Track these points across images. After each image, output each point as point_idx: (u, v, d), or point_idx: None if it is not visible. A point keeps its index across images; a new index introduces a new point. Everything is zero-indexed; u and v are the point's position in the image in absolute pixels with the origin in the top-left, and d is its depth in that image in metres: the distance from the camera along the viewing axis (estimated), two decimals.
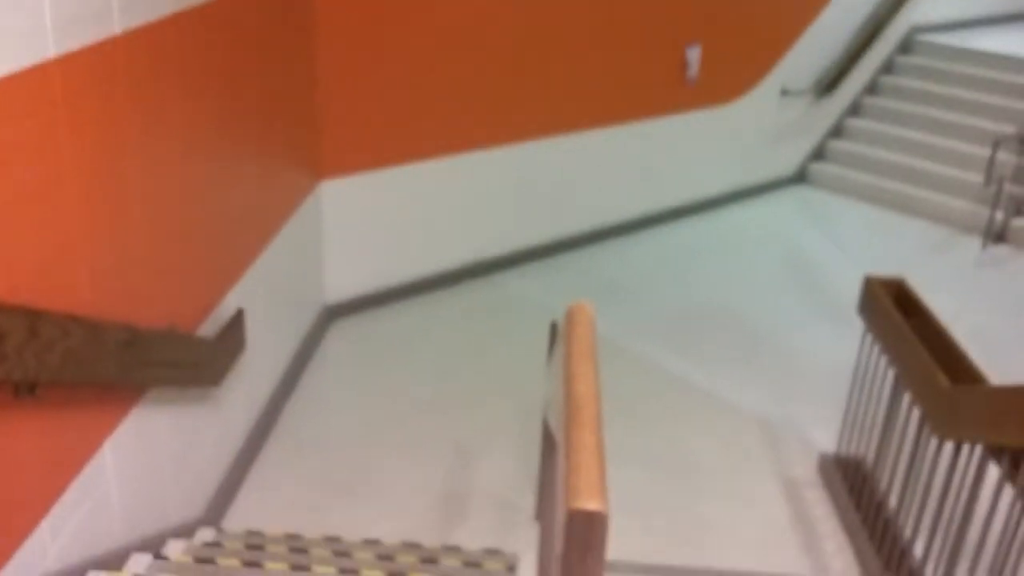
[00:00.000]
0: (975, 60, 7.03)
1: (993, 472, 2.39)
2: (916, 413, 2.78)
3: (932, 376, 2.61)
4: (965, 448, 2.51)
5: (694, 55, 5.71)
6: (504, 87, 4.90)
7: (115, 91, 2.19)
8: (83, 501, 2.16)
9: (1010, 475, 2.30)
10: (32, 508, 1.96)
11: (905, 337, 2.82)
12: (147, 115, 2.40)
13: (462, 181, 4.92)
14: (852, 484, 3.29)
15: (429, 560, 2.65)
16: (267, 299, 3.57)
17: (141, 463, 2.49)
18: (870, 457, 3.18)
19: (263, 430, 3.61)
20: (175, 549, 2.51)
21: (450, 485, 3.43)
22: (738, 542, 3.20)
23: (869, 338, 3.17)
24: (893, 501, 2.96)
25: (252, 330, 3.25)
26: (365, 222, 4.61)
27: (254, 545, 2.66)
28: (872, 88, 7.25)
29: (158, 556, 2.39)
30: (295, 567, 2.38)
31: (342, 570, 2.38)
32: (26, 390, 1.83)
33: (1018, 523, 2.30)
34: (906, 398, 2.86)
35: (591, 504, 1.50)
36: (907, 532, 2.82)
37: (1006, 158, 6.03)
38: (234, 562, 2.38)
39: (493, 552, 2.92)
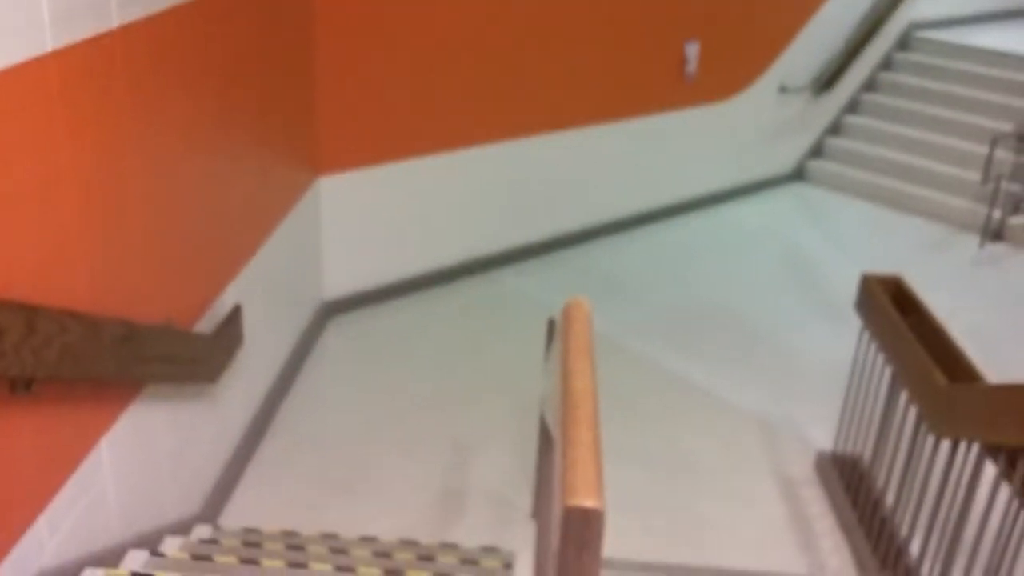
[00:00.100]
0: (974, 57, 7.02)
1: (990, 470, 2.40)
2: (913, 411, 2.78)
3: (929, 374, 2.61)
4: (962, 446, 2.51)
5: (692, 51, 5.71)
6: (502, 84, 4.89)
7: (113, 85, 2.19)
8: (80, 498, 2.16)
9: (1006, 473, 2.31)
10: (29, 505, 1.95)
11: (902, 335, 2.82)
12: (145, 110, 2.39)
13: (460, 177, 4.91)
14: (849, 482, 3.29)
15: (426, 557, 2.65)
16: (265, 295, 3.57)
17: (138, 460, 2.49)
18: (867, 455, 3.19)
19: (260, 427, 3.61)
20: (172, 546, 2.51)
21: (447, 482, 3.43)
22: (735, 540, 3.20)
23: (866, 336, 3.17)
24: (890, 499, 2.96)
25: (250, 326, 3.24)
26: (363, 218, 4.60)
27: (251, 542, 2.66)
28: (870, 85, 7.24)
29: (155, 553, 2.39)
30: (292, 564, 2.38)
31: (339, 567, 2.38)
32: (23, 386, 1.82)
33: (1014, 521, 2.30)
34: (903, 396, 2.87)
35: (588, 501, 1.50)
36: (904, 530, 2.82)
37: (1004, 156, 6.03)
38: (231, 559, 2.38)
39: (490, 549, 2.92)
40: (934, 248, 5.96)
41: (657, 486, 3.46)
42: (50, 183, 1.94)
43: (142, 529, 2.53)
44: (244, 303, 3.16)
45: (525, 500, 3.29)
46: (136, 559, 2.31)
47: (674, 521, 3.28)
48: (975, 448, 2.45)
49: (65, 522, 2.09)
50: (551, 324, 2.70)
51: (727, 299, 5.08)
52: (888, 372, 3.00)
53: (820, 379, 4.16)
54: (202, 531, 2.80)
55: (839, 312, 4.50)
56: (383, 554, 2.63)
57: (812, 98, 6.79)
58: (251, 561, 2.37)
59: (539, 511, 2.76)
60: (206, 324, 2.90)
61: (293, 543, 2.70)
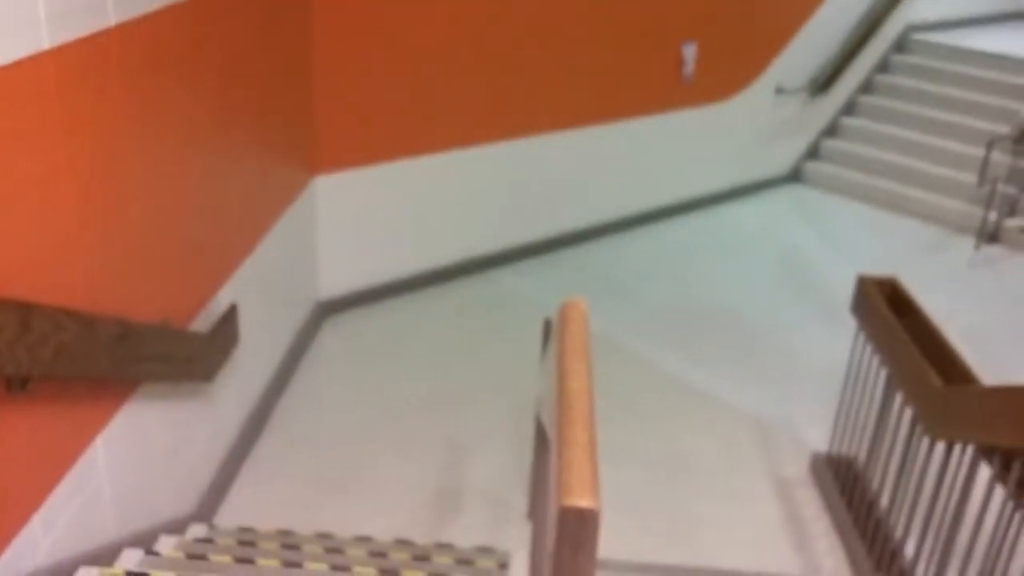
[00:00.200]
0: (970, 59, 7.04)
1: (984, 472, 2.40)
2: (908, 413, 2.78)
3: (924, 376, 2.61)
4: (957, 448, 2.51)
5: (690, 53, 5.72)
6: (499, 84, 4.89)
7: (109, 83, 2.18)
8: (75, 496, 2.15)
9: (1001, 476, 2.31)
10: (23, 503, 1.95)
11: (898, 337, 2.82)
12: (142, 108, 2.39)
13: (457, 177, 4.91)
14: (844, 484, 3.30)
15: (421, 557, 2.65)
16: (261, 295, 3.57)
17: (133, 458, 2.48)
18: (862, 457, 3.19)
19: (256, 426, 3.61)
20: (167, 545, 2.51)
21: (443, 482, 3.43)
22: (730, 541, 3.20)
23: (862, 337, 3.17)
24: (885, 501, 2.97)
25: (245, 326, 3.24)
26: (359, 218, 4.60)
27: (246, 541, 2.66)
28: (867, 87, 7.26)
29: (150, 552, 2.39)
30: (287, 564, 2.38)
31: (334, 567, 2.38)
32: (18, 384, 1.82)
33: (1009, 523, 2.30)
34: (898, 398, 2.87)
35: (583, 501, 1.50)
36: (898, 532, 2.83)
37: (1000, 158, 6.04)
38: (226, 558, 2.37)
39: (485, 550, 2.92)
40: (930, 250, 5.97)
41: (653, 486, 3.46)
42: (46, 181, 1.94)
43: (137, 528, 2.53)
44: (240, 302, 3.16)
45: (521, 500, 3.29)
46: (131, 558, 2.31)
47: (669, 521, 3.28)
48: (970, 450, 2.45)
49: (60, 520, 2.09)
50: (547, 324, 2.70)
51: (724, 300, 5.08)
52: (883, 374, 3.00)
53: (816, 380, 4.17)
54: (197, 530, 2.79)
55: (836, 313, 4.50)
56: (378, 554, 2.63)
57: (809, 100, 6.80)
58: (246, 560, 2.37)
59: (535, 511, 2.76)
60: (202, 323, 2.90)
61: (288, 542, 2.69)
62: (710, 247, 5.84)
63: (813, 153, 7.12)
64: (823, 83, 6.72)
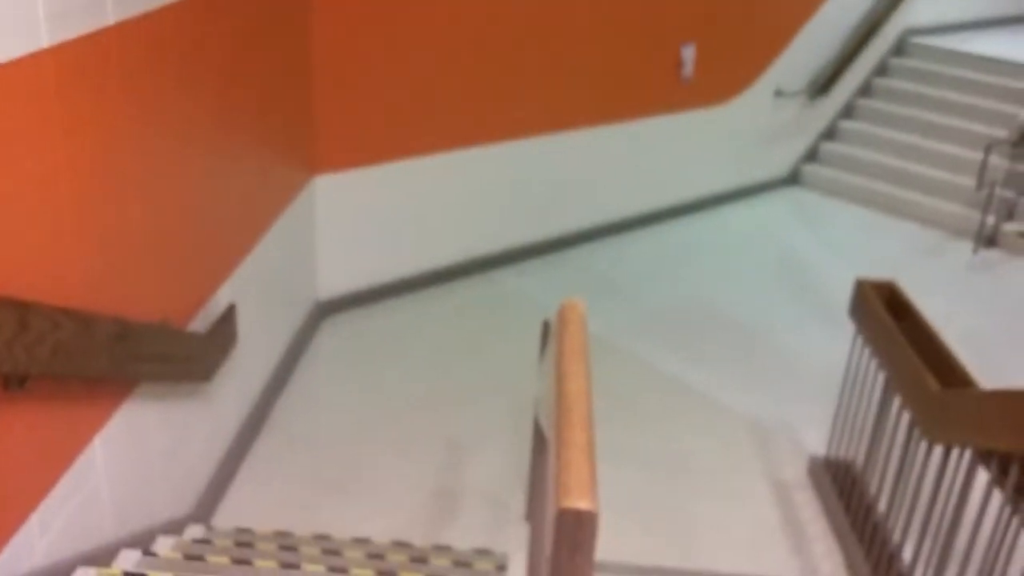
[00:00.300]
0: (969, 63, 7.05)
1: (982, 476, 2.40)
2: (906, 416, 2.78)
3: (922, 380, 2.61)
4: (954, 452, 2.51)
5: (689, 54, 5.72)
6: (498, 85, 4.89)
7: (108, 82, 2.18)
8: (73, 496, 2.15)
9: (998, 480, 2.31)
10: (21, 503, 1.95)
11: (896, 340, 2.82)
12: (141, 107, 2.39)
13: (457, 178, 4.91)
14: (842, 487, 3.30)
15: (419, 559, 2.65)
16: (259, 294, 3.56)
17: (131, 458, 2.48)
18: (860, 460, 3.19)
19: (254, 426, 3.61)
20: (164, 546, 2.50)
21: (441, 483, 3.43)
22: (728, 543, 3.20)
23: (860, 341, 3.17)
24: (883, 504, 2.97)
25: (244, 325, 3.24)
26: (359, 217, 4.60)
27: (244, 542, 2.65)
28: (865, 90, 7.26)
29: (147, 552, 2.39)
30: (285, 565, 2.38)
31: (332, 568, 2.38)
32: (16, 383, 1.82)
33: (1006, 527, 2.31)
34: (896, 401, 2.87)
35: (581, 503, 1.50)
36: (896, 536, 2.83)
37: (998, 162, 6.05)
38: (223, 559, 2.37)
39: (483, 552, 2.92)
40: (928, 253, 5.97)
41: (652, 487, 3.46)
42: (45, 180, 1.94)
43: (135, 528, 2.53)
44: (238, 302, 3.16)
45: (519, 502, 3.29)
46: (128, 558, 2.30)
47: (668, 522, 3.28)
48: (967, 454, 2.45)
49: (57, 521, 2.08)
50: (546, 326, 2.70)
51: (724, 301, 5.09)
52: (881, 377, 3.00)
53: (815, 382, 4.17)
54: (195, 531, 2.79)
55: (834, 315, 4.50)
56: (376, 556, 2.63)
57: (808, 102, 6.80)
58: (243, 561, 2.37)
59: (533, 513, 2.76)
60: (200, 322, 2.90)
61: (286, 544, 2.69)
62: (709, 249, 5.85)
63: (812, 156, 7.12)
64: (822, 86, 6.73)
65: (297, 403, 3.90)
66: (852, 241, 6.13)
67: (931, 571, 2.56)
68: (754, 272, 5.54)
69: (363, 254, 4.71)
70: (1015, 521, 2.28)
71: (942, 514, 2.54)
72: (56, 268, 2.02)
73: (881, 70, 7.32)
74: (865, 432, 3.14)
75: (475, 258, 5.18)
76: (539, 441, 2.54)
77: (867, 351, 3.11)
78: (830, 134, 7.17)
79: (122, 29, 2.22)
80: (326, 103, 4.21)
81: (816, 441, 3.70)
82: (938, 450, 2.60)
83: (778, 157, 6.91)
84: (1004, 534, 2.32)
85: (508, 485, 3.40)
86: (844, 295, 3.31)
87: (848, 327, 3.29)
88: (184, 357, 2.65)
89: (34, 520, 1.98)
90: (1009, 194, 6.02)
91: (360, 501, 3.30)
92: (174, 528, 2.77)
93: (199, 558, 2.38)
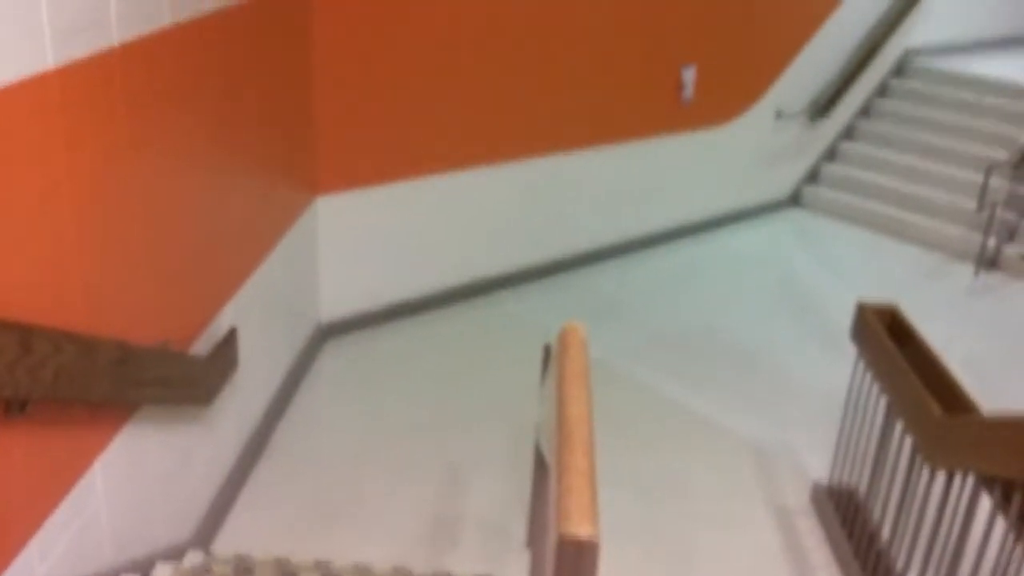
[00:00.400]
0: (969, 85, 7.07)
1: (986, 502, 2.39)
2: (908, 442, 2.77)
3: (924, 405, 2.60)
4: (957, 478, 2.50)
5: (689, 76, 5.74)
6: (500, 107, 4.91)
7: (112, 103, 2.19)
8: (72, 521, 2.14)
9: (1002, 506, 2.30)
10: (20, 528, 1.94)
11: (898, 365, 2.82)
12: (144, 128, 2.40)
13: (459, 200, 4.92)
14: (845, 514, 3.28)
15: None
16: (261, 317, 3.56)
17: (131, 483, 2.47)
18: (862, 487, 3.18)
19: (255, 450, 3.59)
20: (163, 572, 2.49)
21: (442, 509, 3.41)
22: (729, 571, 3.18)
23: (861, 365, 3.17)
24: (886, 532, 2.95)
25: (245, 348, 3.24)
26: (361, 239, 4.60)
27: (243, 569, 2.64)
28: (866, 111, 7.29)
29: None
30: None
31: None
32: (17, 408, 1.82)
33: (1011, 555, 2.29)
34: (898, 427, 2.86)
35: (582, 529, 1.49)
36: (899, 564, 2.81)
37: (999, 184, 6.06)
38: None
39: None
40: (929, 276, 5.97)
41: (652, 512, 3.44)
42: (48, 201, 1.95)
43: (134, 554, 2.51)
44: (240, 324, 3.16)
45: (520, 528, 3.27)
46: None
47: (668, 549, 3.26)
48: (970, 480, 2.44)
49: (57, 546, 2.07)
50: (547, 350, 2.69)
51: (725, 324, 5.08)
52: (883, 402, 2.99)
53: (816, 406, 4.16)
54: (194, 557, 2.77)
55: (835, 338, 4.50)
56: None
57: (808, 124, 6.83)
58: None
59: (534, 539, 2.74)
60: (202, 345, 2.89)
61: (286, 570, 2.67)
62: (710, 271, 5.85)
63: (812, 177, 7.14)
64: (823, 107, 6.75)
65: (298, 427, 3.88)
66: (853, 263, 6.13)
67: None
68: (755, 295, 5.53)
69: (365, 276, 4.71)
70: (1019, 548, 2.27)
71: (946, 541, 2.52)
72: (58, 291, 2.02)
73: (882, 91, 7.35)
74: (867, 458, 3.13)
75: (477, 280, 5.18)
76: (540, 466, 2.52)
77: (869, 375, 3.10)
78: (831, 155, 7.18)
79: (126, 51, 2.23)
80: (328, 124, 4.23)
81: (818, 466, 3.68)
82: (941, 476, 2.58)
83: (779, 178, 6.92)
84: (1008, 561, 2.30)
85: (509, 511, 3.39)
86: (845, 317, 3.31)
87: (849, 350, 3.28)
88: (185, 381, 2.64)
89: (34, 546, 1.97)
90: (1010, 216, 6.02)
91: (361, 526, 3.28)
92: (173, 554, 2.76)
93: None
